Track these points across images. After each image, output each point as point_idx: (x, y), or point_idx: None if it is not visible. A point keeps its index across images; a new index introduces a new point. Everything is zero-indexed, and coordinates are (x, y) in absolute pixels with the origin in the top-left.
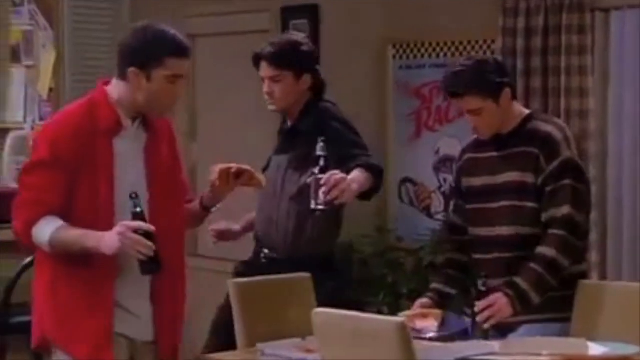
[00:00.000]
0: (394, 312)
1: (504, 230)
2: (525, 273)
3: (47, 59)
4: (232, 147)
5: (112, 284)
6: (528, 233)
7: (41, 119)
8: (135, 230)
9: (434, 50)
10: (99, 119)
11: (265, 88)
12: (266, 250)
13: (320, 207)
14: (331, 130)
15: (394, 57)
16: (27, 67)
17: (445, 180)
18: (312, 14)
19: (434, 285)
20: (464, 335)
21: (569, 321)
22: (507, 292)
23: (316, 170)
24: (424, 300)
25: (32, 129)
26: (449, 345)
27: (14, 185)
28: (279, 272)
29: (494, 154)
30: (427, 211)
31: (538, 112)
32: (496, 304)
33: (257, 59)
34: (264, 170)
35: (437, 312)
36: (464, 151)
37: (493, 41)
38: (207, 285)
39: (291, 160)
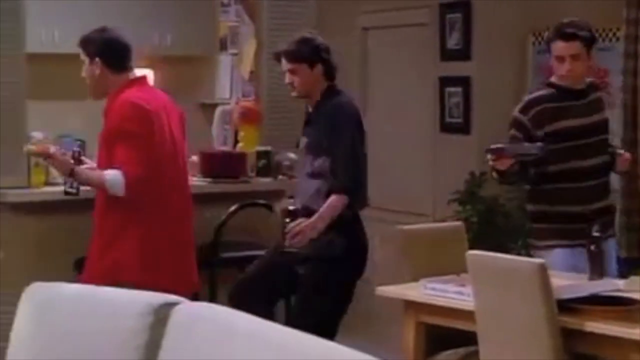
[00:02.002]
0: (531, 255)
1: (594, 161)
2: None
3: (249, 48)
4: (395, 117)
5: None
6: (607, 160)
7: (243, 95)
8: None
9: None
10: None
11: (287, 79)
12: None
13: (288, 249)
14: (337, 140)
15: (533, 43)
16: (233, 54)
17: None
18: (465, 8)
19: None
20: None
21: None
22: None
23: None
24: None
25: (236, 103)
26: (580, 283)
27: (222, 148)
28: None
29: (575, 102)
30: None
31: None
32: None
33: (277, 56)
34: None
35: None
36: (536, 104)
37: (618, 29)
38: (376, 232)
39: (307, 143)
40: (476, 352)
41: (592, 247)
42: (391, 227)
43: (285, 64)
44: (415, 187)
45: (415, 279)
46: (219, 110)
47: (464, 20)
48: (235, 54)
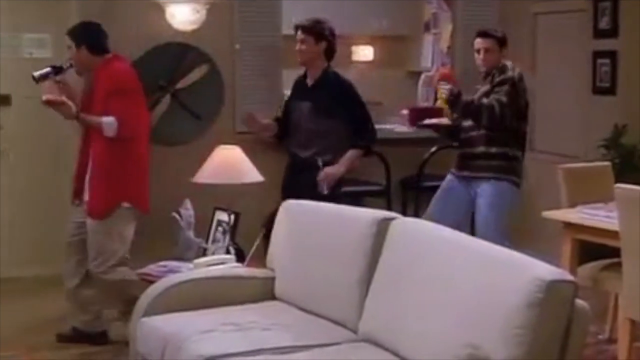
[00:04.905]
0: None
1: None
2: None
3: (446, 29)
4: (557, 83)
5: None
6: None
7: (442, 64)
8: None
9: None
10: None
11: (297, 46)
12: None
13: (326, 192)
14: (349, 104)
15: None
16: (434, 34)
17: None
18: None
19: None
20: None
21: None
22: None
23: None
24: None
25: (436, 70)
26: None
27: (425, 104)
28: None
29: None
30: None
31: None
32: None
33: (296, 28)
34: (285, 111)
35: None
36: None
37: None
38: (541, 170)
39: (314, 108)
40: (619, 263)
41: None
42: (553, 166)
43: (299, 35)
44: (571, 136)
45: (572, 206)
46: (423, 76)
47: (612, 6)
48: (436, 34)
